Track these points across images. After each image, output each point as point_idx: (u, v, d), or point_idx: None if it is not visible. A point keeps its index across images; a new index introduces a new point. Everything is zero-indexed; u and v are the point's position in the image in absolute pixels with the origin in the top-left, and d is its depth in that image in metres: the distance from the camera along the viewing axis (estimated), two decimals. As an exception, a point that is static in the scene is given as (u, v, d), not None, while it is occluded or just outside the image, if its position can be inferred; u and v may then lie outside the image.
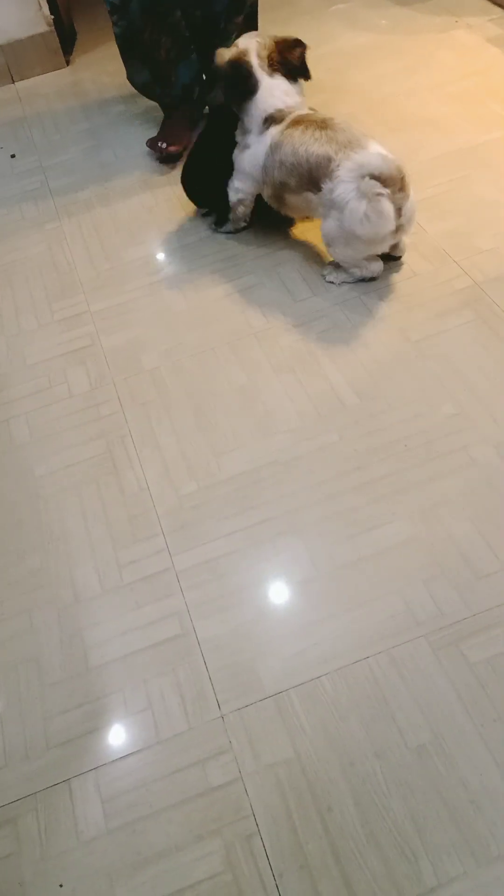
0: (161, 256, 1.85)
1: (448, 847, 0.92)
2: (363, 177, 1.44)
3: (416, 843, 0.93)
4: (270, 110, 1.62)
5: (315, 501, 1.29)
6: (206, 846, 0.97)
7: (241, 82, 1.61)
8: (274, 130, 1.61)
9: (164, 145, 2.11)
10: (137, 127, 2.31)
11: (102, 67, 2.65)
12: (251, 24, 1.99)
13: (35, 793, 1.04)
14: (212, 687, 1.10)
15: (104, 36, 2.83)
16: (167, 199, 2.01)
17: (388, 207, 1.46)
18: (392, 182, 1.46)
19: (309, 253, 1.76)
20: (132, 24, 1.90)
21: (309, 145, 1.53)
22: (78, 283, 1.81)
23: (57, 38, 2.61)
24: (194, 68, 2.01)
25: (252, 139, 1.66)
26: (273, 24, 2.54)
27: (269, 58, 1.63)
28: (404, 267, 1.68)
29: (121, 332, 1.67)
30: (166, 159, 2.14)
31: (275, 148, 1.60)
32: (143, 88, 2.10)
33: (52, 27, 2.59)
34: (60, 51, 2.64)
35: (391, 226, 1.49)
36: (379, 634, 1.12)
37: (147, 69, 2.01)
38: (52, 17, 2.58)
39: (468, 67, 2.26)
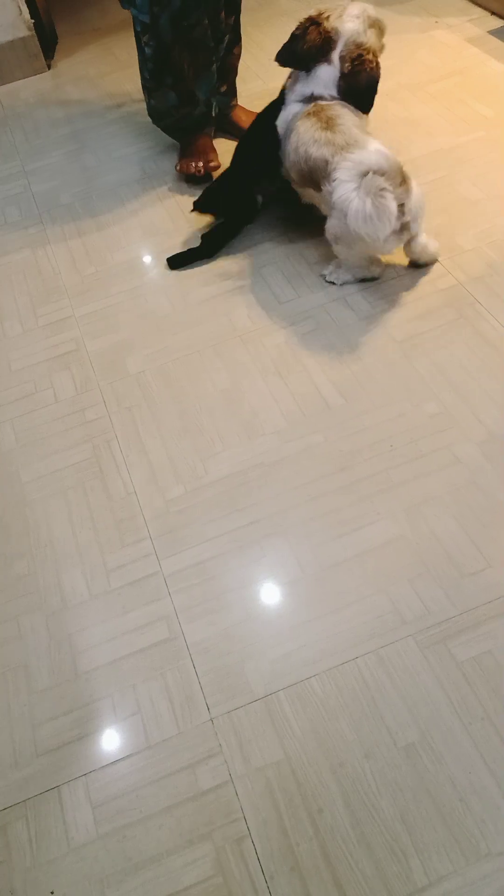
0: (145, 260, 1.85)
1: (438, 846, 0.93)
2: (364, 174, 1.42)
3: (406, 843, 0.94)
4: (312, 91, 1.61)
5: (301, 502, 1.30)
6: (196, 850, 0.97)
7: (315, 53, 1.58)
8: (298, 109, 1.61)
9: (202, 164, 1.99)
10: (120, 130, 2.31)
11: (84, 71, 2.64)
12: (236, 25, 1.98)
13: (25, 800, 1.04)
14: (201, 690, 1.10)
15: (86, 40, 2.83)
16: (151, 202, 2.01)
17: (391, 204, 1.43)
18: (391, 177, 1.44)
19: (293, 254, 1.76)
20: (161, 43, 1.79)
21: (308, 146, 1.54)
22: (62, 287, 1.81)
23: (38, 43, 2.61)
24: (213, 81, 1.94)
25: (289, 99, 1.66)
26: (252, 26, 2.55)
27: (352, 51, 1.58)
28: (388, 268, 1.68)
29: (106, 336, 1.67)
30: (204, 179, 2.01)
31: (290, 129, 1.61)
32: (166, 115, 1.98)
33: (33, 31, 2.58)
34: (41, 55, 2.63)
35: (393, 224, 1.46)
36: (367, 634, 1.13)
37: (173, 91, 1.90)
38: (33, 21, 2.57)
39: (448, 67, 2.27)
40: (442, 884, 0.90)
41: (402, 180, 1.47)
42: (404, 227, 1.52)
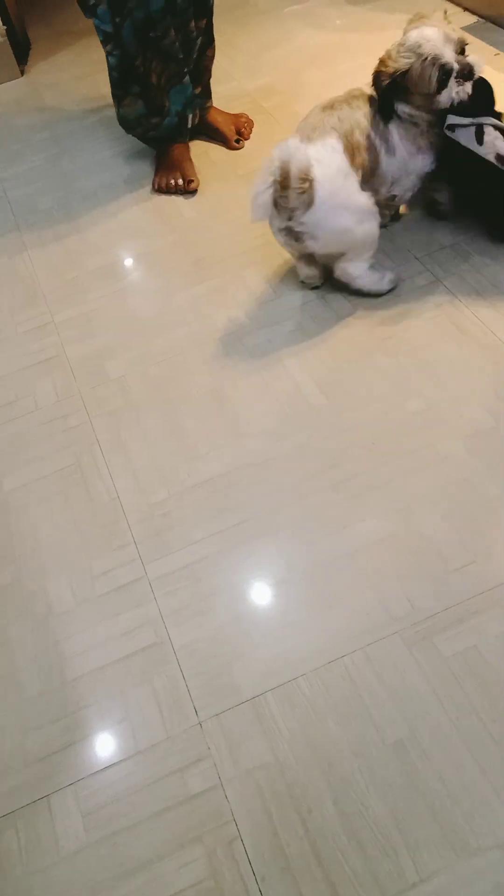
0: (125, 263, 1.84)
1: (428, 842, 0.93)
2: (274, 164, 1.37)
3: (397, 840, 0.94)
4: None
5: (288, 502, 1.30)
6: (188, 854, 0.97)
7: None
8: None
9: (181, 181, 1.97)
10: (98, 134, 2.31)
11: (59, 76, 2.64)
12: (209, 27, 1.98)
13: (14, 811, 1.04)
14: (189, 694, 1.10)
15: (60, 44, 2.82)
16: (132, 204, 2.01)
17: (257, 194, 1.39)
18: (287, 176, 1.36)
19: (274, 256, 1.76)
20: (126, 53, 1.80)
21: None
22: (41, 293, 1.80)
23: (10, 48, 2.60)
24: (187, 92, 1.93)
25: None
26: (229, 25, 2.55)
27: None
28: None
29: (86, 341, 1.66)
30: (188, 194, 1.99)
31: None
32: (136, 124, 1.98)
33: (5, 37, 2.57)
34: (14, 60, 2.62)
35: (260, 213, 1.41)
36: (354, 633, 1.13)
37: (141, 100, 1.90)
38: (5, 27, 2.57)
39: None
40: (433, 880, 0.90)
41: (304, 190, 1.37)
42: (294, 235, 1.46)
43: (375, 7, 2.57)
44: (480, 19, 2.46)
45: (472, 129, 1.50)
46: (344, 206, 1.46)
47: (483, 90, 1.51)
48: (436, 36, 1.40)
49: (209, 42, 1.99)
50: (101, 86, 2.50)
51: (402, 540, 1.22)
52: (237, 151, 2.10)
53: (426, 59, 1.39)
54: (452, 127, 1.51)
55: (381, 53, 1.47)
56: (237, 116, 2.15)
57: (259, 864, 0.94)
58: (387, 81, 1.43)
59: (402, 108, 1.49)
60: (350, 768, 1.00)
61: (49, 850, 1.00)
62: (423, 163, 1.57)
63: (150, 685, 1.12)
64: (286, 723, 1.05)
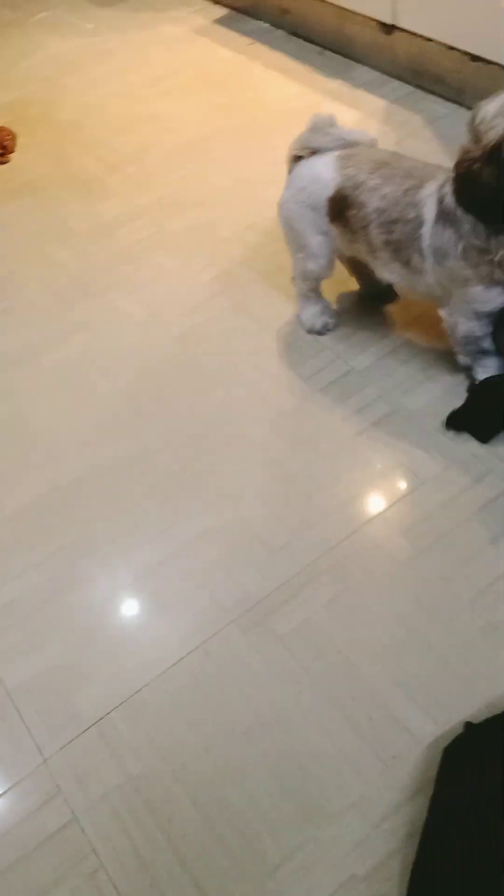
0: None
1: (286, 820, 0.95)
2: None
3: (257, 825, 0.95)
4: None
5: (105, 517, 1.27)
6: (52, 898, 0.93)
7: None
8: None
9: None
10: None
11: None
12: None
13: None
14: (29, 734, 1.05)
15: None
16: None
17: None
18: None
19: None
20: None
21: None
22: None
23: None
24: None
25: None
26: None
27: None
28: (157, 265, 1.69)
29: None
30: None
31: None
32: None
33: None
34: None
35: None
36: (190, 632, 1.13)
37: None
38: None
39: (180, 60, 2.30)
40: (296, 855, 0.92)
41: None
42: None
43: (124, 7, 2.56)
44: (232, 10, 2.52)
45: None
46: (294, 222, 1.35)
47: None
48: None
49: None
50: None
51: (222, 530, 1.23)
52: (5, 165, 2.03)
53: None
54: None
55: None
56: (-2, 131, 2.08)
57: (125, 887, 0.92)
58: (482, 168, 1.01)
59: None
60: (204, 766, 1.00)
61: None
62: (489, 295, 1.16)
63: (-12, 735, 1.06)
64: (135, 738, 1.03)
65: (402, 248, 1.20)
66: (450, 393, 1.34)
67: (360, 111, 1.99)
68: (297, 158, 1.32)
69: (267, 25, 2.39)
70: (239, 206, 1.80)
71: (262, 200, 1.79)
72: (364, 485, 1.25)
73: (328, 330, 1.48)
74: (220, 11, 2.51)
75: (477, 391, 1.30)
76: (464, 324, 1.24)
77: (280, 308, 1.55)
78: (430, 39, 1.90)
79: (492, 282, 1.13)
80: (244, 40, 2.35)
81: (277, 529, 1.22)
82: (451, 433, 1.28)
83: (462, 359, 1.32)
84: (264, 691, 1.05)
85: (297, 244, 1.38)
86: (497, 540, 1.15)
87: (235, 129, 2.02)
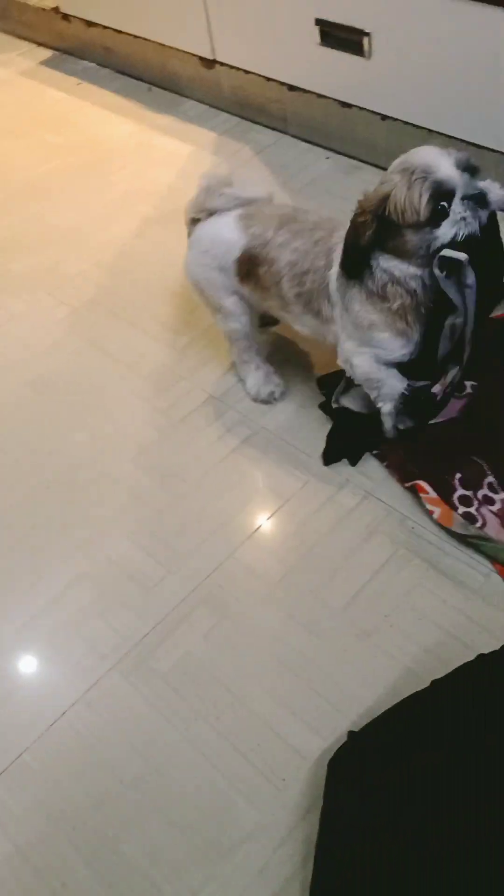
0: None
1: (185, 862, 0.93)
2: None
3: (156, 874, 0.92)
4: None
5: (-33, 578, 1.22)
6: None
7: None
8: None
9: None
10: None
11: None
12: None
13: None
14: None
15: None
16: None
17: None
18: None
19: None
20: None
21: None
22: None
23: None
24: None
25: None
26: None
27: None
28: (4, 308, 1.65)
29: None
30: None
31: None
32: None
33: None
34: None
35: None
36: (70, 685, 1.09)
37: None
38: None
39: (10, 103, 2.27)
40: (200, 895, 0.90)
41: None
42: None
43: None
44: (57, 52, 2.51)
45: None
46: (203, 285, 1.32)
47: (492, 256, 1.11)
48: (429, 150, 1.03)
49: None
50: None
51: (94, 576, 1.20)
52: None
53: (414, 173, 1.00)
54: (446, 263, 1.03)
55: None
56: None
57: None
58: (366, 223, 1.04)
59: (383, 263, 1.08)
60: (96, 823, 0.97)
61: None
62: (392, 345, 1.16)
63: None
64: (20, 805, 0.99)
65: (313, 298, 1.19)
66: (305, 407, 1.38)
67: (192, 144, 2.02)
68: (194, 221, 1.30)
69: (93, 65, 2.40)
70: (83, 244, 1.79)
71: (106, 238, 1.79)
72: (232, 511, 1.26)
73: (275, 399, 1.40)
74: (46, 53, 2.50)
75: (336, 423, 1.34)
76: (364, 364, 1.19)
77: (134, 342, 1.54)
78: (249, 72, 1.96)
79: (395, 332, 1.14)
80: (72, 80, 2.35)
81: (149, 567, 1.21)
82: (308, 450, 1.32)
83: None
84: (150, 734, 1.03)
85: (212, 306, 1.34)
86: (360, 547, 1.18)
87: (72, 169, 2.01)
